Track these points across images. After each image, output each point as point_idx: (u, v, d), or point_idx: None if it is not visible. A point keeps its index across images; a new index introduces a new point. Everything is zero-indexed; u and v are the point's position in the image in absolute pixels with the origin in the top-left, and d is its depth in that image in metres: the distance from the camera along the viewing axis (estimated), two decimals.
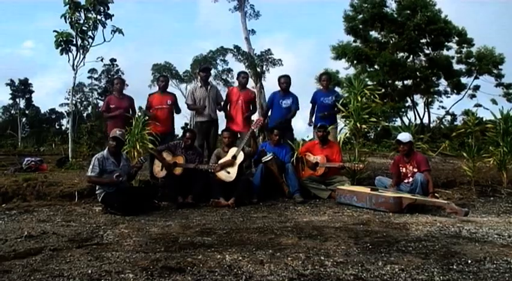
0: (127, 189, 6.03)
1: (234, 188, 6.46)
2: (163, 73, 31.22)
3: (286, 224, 4.94)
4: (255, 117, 8.15)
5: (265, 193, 6.82)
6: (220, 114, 8.05)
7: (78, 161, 9.85)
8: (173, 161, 6.88)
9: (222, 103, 8.02)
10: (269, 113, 8.10)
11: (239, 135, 7.73)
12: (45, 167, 9.13)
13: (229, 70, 31.26)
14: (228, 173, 6.63)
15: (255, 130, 7.09)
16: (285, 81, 7.95)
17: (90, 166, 5.93)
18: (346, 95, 8.35)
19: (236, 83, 8.47)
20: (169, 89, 8.24)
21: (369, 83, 16.87)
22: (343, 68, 23.11)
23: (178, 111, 8.08)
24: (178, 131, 8.67)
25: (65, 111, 50.32)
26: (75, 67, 9.58)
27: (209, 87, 7.98)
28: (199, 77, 8.44)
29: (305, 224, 4.88)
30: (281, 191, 6.90)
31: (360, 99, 7.30)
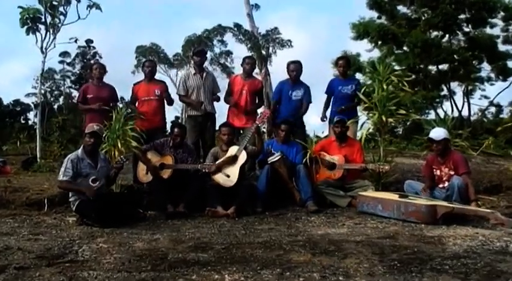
0: (106, 196, 6.04)
1: (235, 194, 6.49)
2: (149, 57, 31.26)
3: (297, 237, 4.94)
4: (260, 110, 8.15)
5: (272, 200, 6.86)
6: (219, 107, 8.11)
7: (48, 162, 9.87)
8: (160, 163, 6.92)
9: (222, 94, 8.09)
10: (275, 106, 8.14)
11: (241, 132, 7.78)
12: (9, 170, 9.14)
13: (229, 53, 31.28)
14: (228, 176, 6.66)
15: (260, 125, 7.11)
16: (294, 68, 7.98)
17: (62, 169, 5.96)
18: (368, 82, 8.34)
19: (237, 70, 8.52)
20: (157, 76, 8.32)
21: (397, 68, 16.84)
22: (365, 50, 22.98)
23: (171, 102, 8.12)
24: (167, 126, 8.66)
25: (32, 103, 50.22)
26: (44, 50, 9.59)
27: (205, 74, 8.04)
28: (192, 62, 8.49)
29: (320, 238, 4.88)
30: (291, 198, 6.91)
31: (385, 87, 7.28)
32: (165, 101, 8.01)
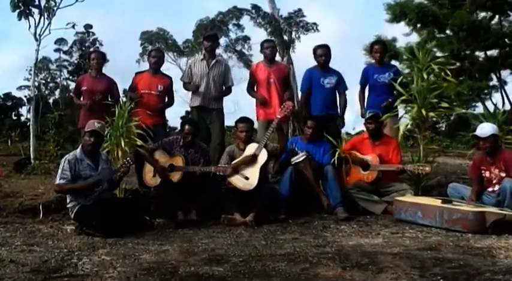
0: (109, 201, 6.09)
1: (254, 199, 6.50)
2: (156, 44, 31.40)
3: (325, 249, 4.95)
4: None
5: (297, 206, 6.87)
6: (230, 98, 8.11)
7: (43, 164, 9.93)
8: (169, 164, 6.96)
9: (239, 85, 8.11)
10: (297, 95, 8.15)
11: (256, 127, 7.85)
12: None
13: (246, 38, 31.22)
14: (246, 178, 6.67)
15: (283, 118, 7.06)
16: (323, 53, 7.98)
17: (59, 171, 5.99)
18: (406, 71, 8.30)
19: (255, 58, 8.51)
20: (165, 66, 8.48)
21: (438, 54, 16.68)
22: (403, 35, 22.78)
23: (170, 102, 8.15)
24: (177, 123, 8.67)
25: (25, 97, 50.62)
26: (37, 36, 9.63)
27: (213, 61, 8.04)
28: (203, 48, 8.50)
29: (351, 250, 4.88)
30: (318, 203, 6.92)
31: (425, 77, 7.24)
32: (167, 100, 8.07)
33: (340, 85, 7.94)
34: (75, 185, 5.93)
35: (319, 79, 7.91)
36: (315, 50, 8.05)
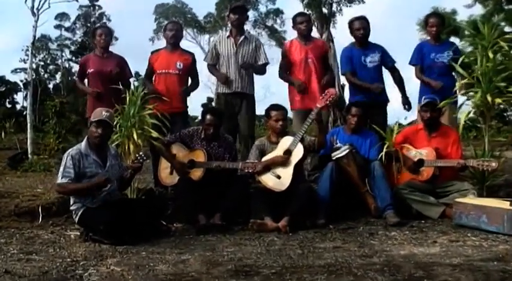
0: (119, 203, 6.13)
1: (288, 201, 6.50)
2: (173, 19, 31.41)
3: (372, 259, 4.94)
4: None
5: (338, 209, 6.89)
6: (259, 83, 8.14)
7: (42, 159, 10.06)
8: (188, 159, 7.01)
9: (272, 65, 8.11)
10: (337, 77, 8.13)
11: (293, 116, 7.88)
12: None
13: (278, 12, 31.20)
14: (278, 177, 6.67)
15: (325, 107, 7.05)
16: (360, 26, 7.99)
17: (61, 168, 6.03)
18: (468, 50, 8.21)
19: (289, 35, 8.50)
20: (184, 44, 8.38)
21: (507, 29, 16.44)
22: (464, 6, 22.57)
23: (194, 85, 8.16)
24: (198, 111, 8.66)
25: (21, 81, 51.09)
26: (35, 11, 9.72)
27: (241, 38, 8.04)
28: (228, 23, 8.51)
29: (403, 260, 4.86)
30: (363, 205, 6.92)
31: (491, 56, 7.17)
32: (190, 80, 8.07)
33: (386, 60, 7.97)
34: (79, 185, 5.95)
35: (360, 58, 7.93)
36: (350, 23, 8.07)
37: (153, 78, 7.98)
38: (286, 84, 8.21)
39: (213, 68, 8.10)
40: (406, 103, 8.04)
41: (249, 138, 7.89)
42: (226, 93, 8.01)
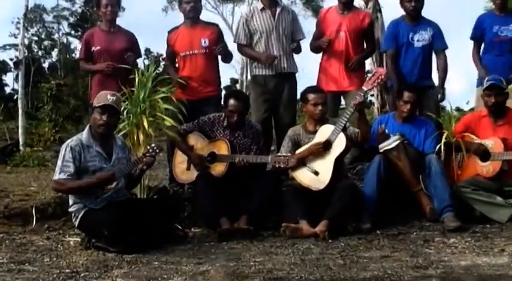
0: (126, 204, 6.16)
1: (327, 202, 6.49)
2: None
3: (427, 271, 4.92)
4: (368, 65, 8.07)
5: (387, 211, 6.89)
6: (303, 62, 8.14)
7: (36, 152, 10.11)
8: (209, 152, 7.05)
9: (307, 40, 8.11)
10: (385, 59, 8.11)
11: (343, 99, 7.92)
12: None
13: None
14: (316, 173, 6.68)
15: (369, 92, 7.04)
16: None
17: (59, 162, 6.04)
18: None
19: (327, 4, 8.44)
20: (204, 16, 8.32)
21: None
22: None
23: (227, 57, 8.14)
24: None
25: (11, 60, 51.27)
26: None
27: (278, 10, 8.01)
28: None
29: (464, 272, 4.84)
30: (417, 207, 6.91)
31: None
32: (219, 57, 8.09)
33: (437, 42, 7.90)
34: (80, 183, 5.95)
35: (408, 34, 7.91)
36: None
37: (176, 62, 8.03)
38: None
39: (248, 48, 8.06)
40: (442, 93, 7.92)
41: (290, 127, 7.65)
42: (268, 76, 8.00)
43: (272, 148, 7.53)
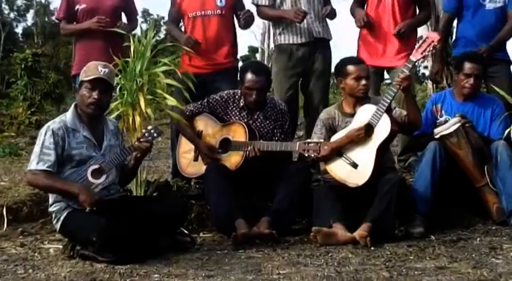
0: (119, 203, 6.13)
1: (369, 200, 6.50)
2: None
3: None
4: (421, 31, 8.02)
5: (443, 211, 6.93)
6: (337, 29, 8.12)
7: (7, 138, 10.12)
8: (222, 138, 7.05)
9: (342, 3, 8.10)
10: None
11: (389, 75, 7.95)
12: None
13: None
14: (355, 165, 6.64)
15: (417, 64, 7.01)
16: None
17: (36, 148, 5.96)
18: None
19: None
20: None
21: None
22: None
23: (248, 21, 8.05)
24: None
25: None
26: None
27: None
28: None
29: None
30: (481, 206, 6.93)
31: None
32: (236, 20, 8.12)
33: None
34: (52, 183, 5.88)
35: None
36: None
37: (182, 25, 8.04)
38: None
39: (271, 10, 8.04)
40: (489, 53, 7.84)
41: (322, 107, 7.79)
42: (296, 44, 8.01)
43: (300, 133, 7.47)
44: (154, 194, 6.99)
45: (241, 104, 7.09)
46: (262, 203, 6.69)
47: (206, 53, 7.72)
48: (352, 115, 6.82)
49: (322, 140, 6.71)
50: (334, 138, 6.78)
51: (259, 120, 7.09)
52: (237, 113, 7.10)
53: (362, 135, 6.62)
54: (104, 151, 6.08)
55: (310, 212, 6.62)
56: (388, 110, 6.69)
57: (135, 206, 6.31)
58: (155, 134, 6.21)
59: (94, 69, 6.04)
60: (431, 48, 6.79)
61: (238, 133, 6.96)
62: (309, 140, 6.82)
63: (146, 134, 6.17)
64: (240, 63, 8.38)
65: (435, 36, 6.87)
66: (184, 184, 7.29)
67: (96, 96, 5.95)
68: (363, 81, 6.79)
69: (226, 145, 6.98)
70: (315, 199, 6.62)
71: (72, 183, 5.87)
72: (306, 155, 6.67)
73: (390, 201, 6.47)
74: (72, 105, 6.18)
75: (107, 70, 6.07)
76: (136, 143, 6.18)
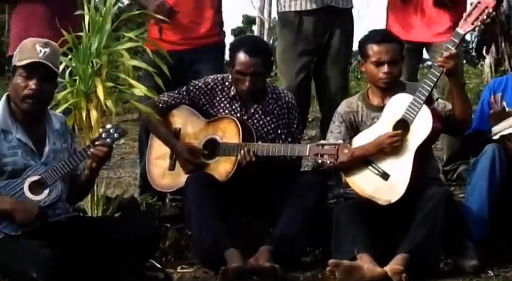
0: (69, 227, 5.94)
1: (404, 224, 6.39)
2: None
3: None
4: None
5: (504, 238, 6.82)
6: None
7: None
8: (208, 139, 6.96)
9: None
10: None
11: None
12: None
13: None
14: (385, 176, 6.50)
15: (467, 37, 6.85)
16: None
17: None
18: None
19: None
20: None
21: None
22: None
23: None
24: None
25: None
26: None
27: None
28: None
29: None
30: None
31: None
32: None
33: None
34: None
35: None
36: None
37: None
38: None
39: None
40: None
41: (341, 96, 7.83)
42: (307, 12, 7.96)
43: (311, 133, 7.24)
44: (116, 214, 6.89)
45: (232, 93, 6.99)
46: (261, 227, 6.62)
47: (183, 24, 7.69)
48: (381, 108, 6.71)
49: (340, 141, 6.54)
50: (358, 142, 6.65)
51: (256, 115, 7.02)
52: (227, 106, 7.05)
53: (398, 143, 6.47)
54: (46, 158, 5.89)
55: (327, 239, 6.48)
56: (429, 102, 6.55)
57: (89, 230, 6.07)
58: (116, 135, 6.04)
59: (31, 49, 5.87)
60: (484, 17, 6.68)
61: (228, 132, 6.86)
62: (323, 142, 6.63)
63: (104, 135, 5.98)
64: (231, 39, 8.33)
65: (490, 2, 6.74)
66: (157, 201, 7.22)
67: (34, 87, 5.77)
68: (385, 68, 6.69)
69: (214, 147, 6.87)
70: (333, 222, 6.45)
71: (2, 199, 5.70)
72: (320, 161, 6.50)
73: (434, 224, 6.32)
74: (3, 98, 6.02)
75: (48, 50, 5.87)
76: (91, 147, 5.95)
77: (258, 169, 6.67)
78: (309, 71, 7.95)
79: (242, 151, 6.64)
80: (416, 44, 7.94)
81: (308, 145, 6.65)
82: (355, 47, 7.66)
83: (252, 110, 6.97)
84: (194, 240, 6.65)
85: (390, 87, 6.72)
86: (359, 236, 6.28)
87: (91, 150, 5.90)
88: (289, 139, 6.95)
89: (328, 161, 6.40)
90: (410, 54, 7.70)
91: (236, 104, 6.98)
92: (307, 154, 6.56)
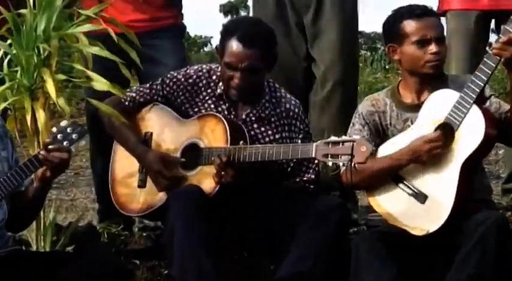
0: (8, 262, 5.69)
1: (445, 257, 6.09)
2: None
3: None
4: None
5: None
6: None
7: None
8: (188, 144, 6.79)
9: None
10: None
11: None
12: None
13: None
14: (422, 198, 6.12)
15: None
16: None
17: None
18: None
19: None
20: None
21: None
22: None
23: None
24: (208, 28, 8.35)
25: None
26: None
27: None
28: None
29: None
30: None
31: None
32: None
33: None
34: None
35: None
36: None
37: None
38: None
39: None
40: None
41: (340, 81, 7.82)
42: None
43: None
44: (69, 248, 6.50)
45: (219, 91, 6.75)
46: (262, 264, 6.24)
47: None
48: (416, 108, 6.35)
49: (357, 137, 6.12)
50: (385, 151, 6.30)
51: (249, 123, 6.76)
52: (212, 107, 6.89)
53: (439, 151, 6.05)
54: None
55: (345, 278, 6.08)
56: (480, 100, 6.11)
57: (34, 268, 5.77)
58: (74, 136, 5.70)
59: None
60: None
61: (213, 134, 6.63)
62: (333, 138, 6.16)
63: (59, 137, 5.65)
64: (223, 20, 8.13)
65: None
66: (122, 230, 6.92)
67: None
68: (433, 47, 6.29)
69: (195, 155, 6.52)
70: (352, 257, 6.10)
71: None
72: (330, 164, 6.18)
73: (485, 257, 5.92)
74: None
75: None
76: (42, 152, 5.59)
77: (254, 179, 6.42)
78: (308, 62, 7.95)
79: (222, 162, 6.24)
80: (486, 12, 7.76)
81: (314, 144, 6.29)
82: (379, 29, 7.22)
83: (244, 116, 6.77)
84: (177, 278, 6.32)
85: (436, 76, 6.36)
86: (386, 273, 5.98)
87: (42, 153, 5.55)
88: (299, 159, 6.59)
89: (341, 164, 6.11)
90: (476, 28, 7.60)
91: (223, 106, 6.81)
92: (313, 155, 6.23)
